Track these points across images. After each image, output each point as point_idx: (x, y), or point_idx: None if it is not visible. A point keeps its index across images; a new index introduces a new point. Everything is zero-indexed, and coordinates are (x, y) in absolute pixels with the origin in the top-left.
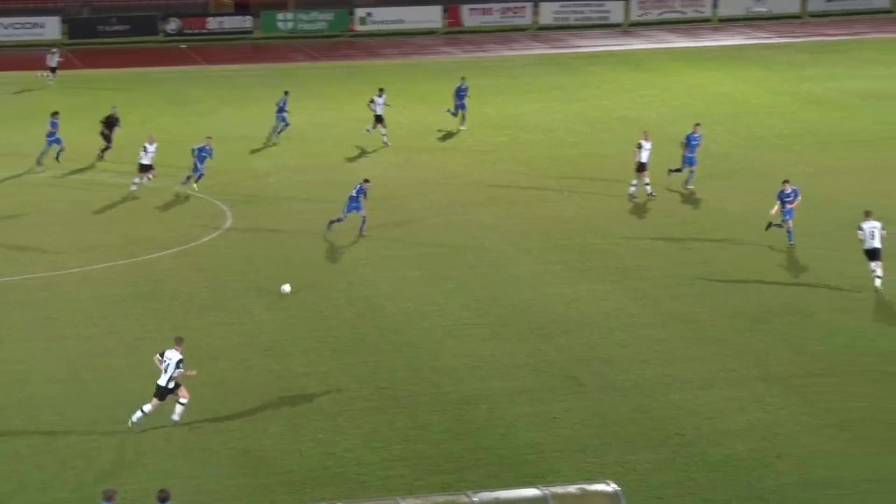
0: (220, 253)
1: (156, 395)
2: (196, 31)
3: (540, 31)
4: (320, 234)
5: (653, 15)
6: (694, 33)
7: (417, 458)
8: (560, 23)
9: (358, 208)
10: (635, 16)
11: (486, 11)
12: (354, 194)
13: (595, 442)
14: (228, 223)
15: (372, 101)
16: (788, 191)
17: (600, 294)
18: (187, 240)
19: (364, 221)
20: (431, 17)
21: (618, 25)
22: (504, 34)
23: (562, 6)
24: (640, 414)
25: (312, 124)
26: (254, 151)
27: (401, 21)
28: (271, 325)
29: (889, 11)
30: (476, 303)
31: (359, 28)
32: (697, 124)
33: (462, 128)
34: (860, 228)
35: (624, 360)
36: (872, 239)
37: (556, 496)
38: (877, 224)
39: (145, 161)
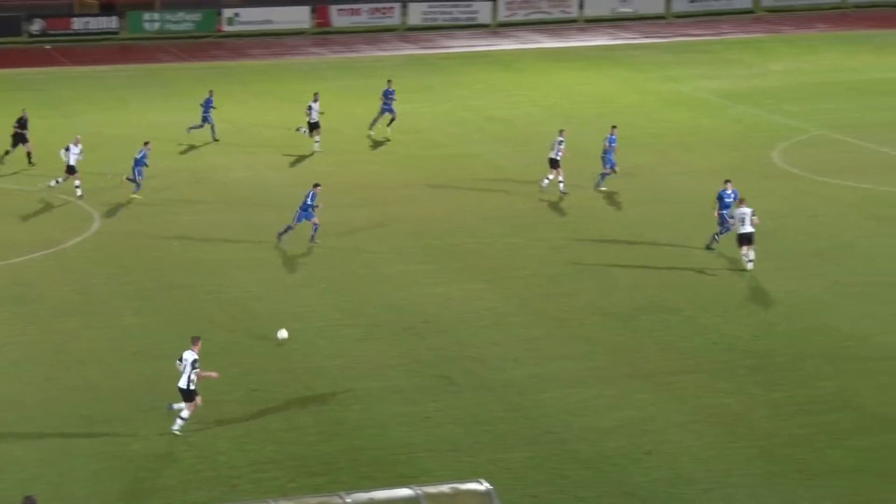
0: (88, 256)
1: (184, 399)
2: (61, 31)
3: (409, 32)
4: (176, 237)
5: (520, 15)
6: (561, 34)
7: (290, 460)
8: (429, 23)
9: (309, 216)
10: (503, 16)
11: (354, 12)
12: (309, 202)
13: (468, 441)
14: (96, 226)
15: (309, 108)
16: (729, 191)
17: (472, 294)
18: (55, 243)
19: (316, 229)
20: (300, 17)
21: (486, 26)
22: (373, 35)
23: (430, 7)
24: (513, 412)
25: (180, 125)
26: (124, 153)
27: (269, 21)
28: (141, 328)
29: (751, 11)
30: (348, 303)
31: (227, 28)
32: (614, 126)
33: (373, 132)
34: (731, 217)
35: (496, 359)
36: (744, 225)
37: (428, 496)
38: (748, 210)
39: (71, 162)
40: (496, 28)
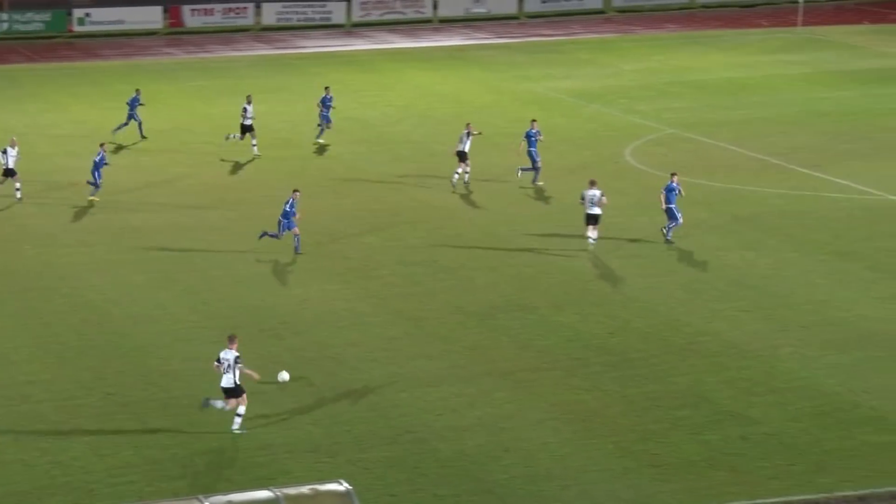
0: None
1: (231, 397)
2: None
3: (263, 32)
4: (28, 240)
5: (374, 16)
6: (415, 34)
7: (148, 464)
8: (283, 23)
9: (291, 225)
10: (357, 17)
11: (207, 12)
12: (288, 209)
13: (327, 441)
14: None
15: (244, 110)
16: (675, 184)
17: (330, 294)
18: None
19: (298, 239)
20: (152, 17)
21: (341, 26)
22: (227, 35)
23: (284, 7)
24: (372, 412)
25: (32, 126)
26: None
27: (121, 22)
28: None
29: (602, 12)
30: (205, 305)
31: (77, 29)
32: (534, 120)
33: (320, 140)
34: (583, 198)
35: (354, 359)
36: (592, 206)
37: (287, 497)
38: (597, 192)
39: (10, 165)
40: (351, 28)
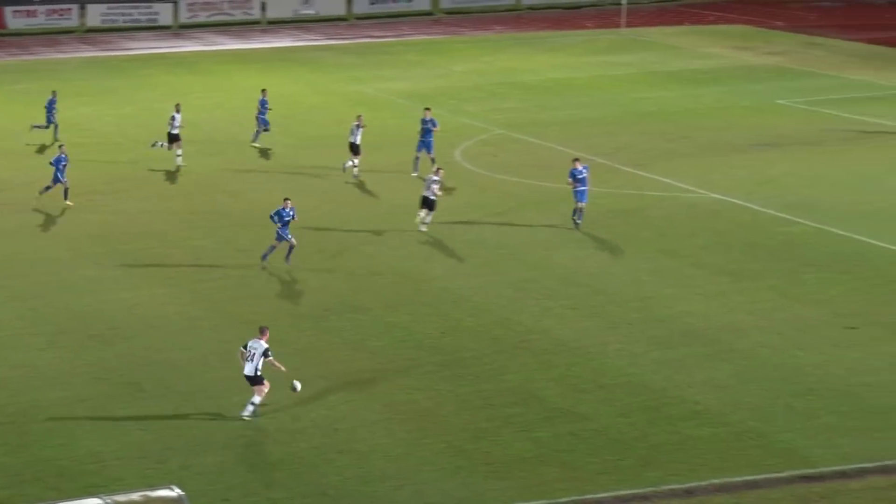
0: None
1: (253, 384)
2: None
3: (88, 34)
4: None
5: (202, 17)
6: (244, 35)
7: None
8: (109, 25)
9: (286, 235)
10: (184, 18)
11: (30, 13)
12: (287, 219)
13: (158, 447)
14: None
15: (172, 118)
16: (580, 168)
17: (161, 298)
18: None
19: (292, 250)
20: None
21: (168, 28)
22: (51, 36)
23: (109, 8)
24: (204, 417)
25: None
26: None
27: None
28: None
29: (430, 13)
30: (31, 311)
31: None
32: (427, 108)
33: (256, 144)
34: (424, 179)
35: (186, 363)
36: (428, 189)
37: None
38: (436, 179)
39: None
40: (178, 30)
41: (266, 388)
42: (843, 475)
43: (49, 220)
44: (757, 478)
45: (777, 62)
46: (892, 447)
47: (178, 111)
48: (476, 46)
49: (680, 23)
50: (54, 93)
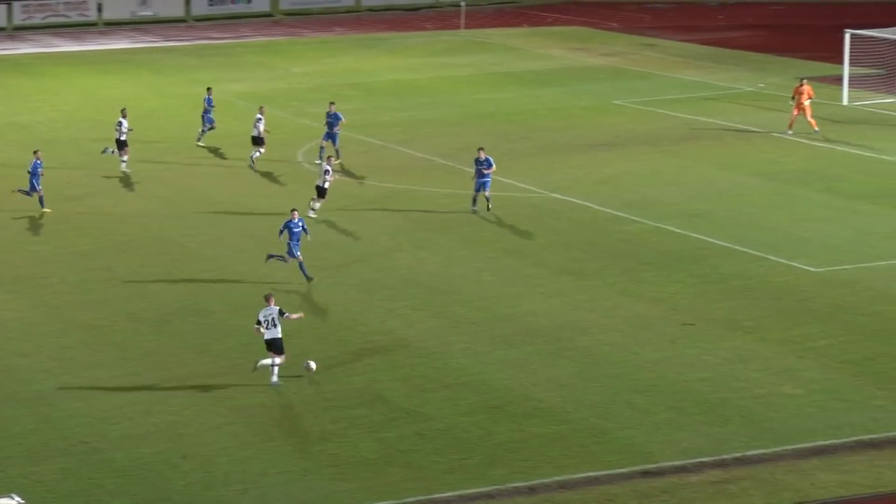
0: None
1: (274, 352)
2: None
3: None
4: None
5: (37, 19)
6: (80, 37)
7: None
8: None
9: (297, 251)
10: (19, 20)
11: None
12: (296, 230)
13: None
14: None
15: (119, 124)
16: (482, 158)
17: None
18: None
19: (302, 265)
20: None
21: (2, 29)
22: None
23: None
24: (44, 424)
25: None
26: None
27: None
28: None
29: (270, 15)
30: None
31: None
32: (332, 103)
33: (201, 143)
34: (326, 171)
35: (25, 370)
36: (321, 178)
37: None
38: (329, 168)
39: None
40: (12, 31)
41: (284, 354)
42: (682, 470)
43: None
44: (599, 474)
45: (613, 63)
46: (729, 441)
47: (124, 116)
48: (316, 48)
49: (518, 24)
50: None
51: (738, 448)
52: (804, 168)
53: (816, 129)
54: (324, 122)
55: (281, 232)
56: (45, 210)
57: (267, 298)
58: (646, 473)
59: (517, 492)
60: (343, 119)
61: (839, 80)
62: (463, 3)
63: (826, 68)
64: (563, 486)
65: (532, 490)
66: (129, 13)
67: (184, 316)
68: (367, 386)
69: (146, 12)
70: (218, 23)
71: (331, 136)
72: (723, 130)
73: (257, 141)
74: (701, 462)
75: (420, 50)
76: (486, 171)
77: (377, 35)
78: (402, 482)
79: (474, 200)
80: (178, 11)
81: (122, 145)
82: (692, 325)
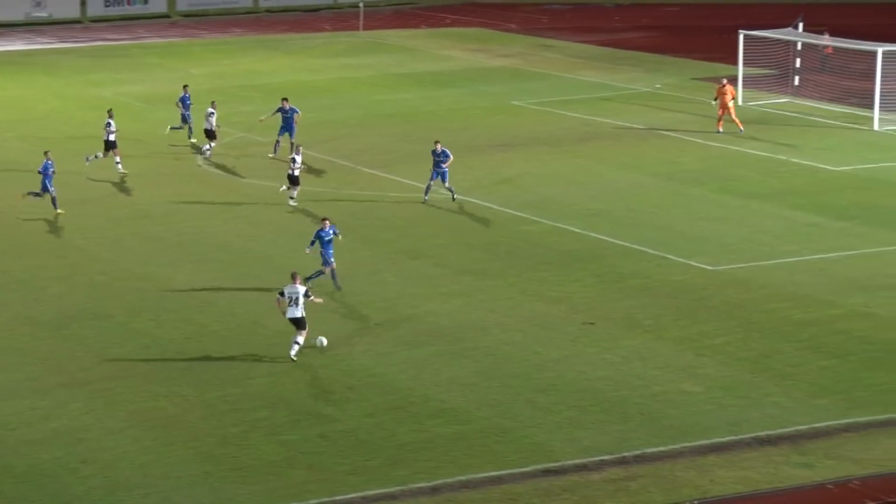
0: None
1: (298, 327)
2: None
3: None
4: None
5: None
6: None
7: None
8: None
9: (330, 259)
10: None
11: None
12: (328, 239)
13: None
14: None
15: (108, 125)
16: (439, 150)
17: None
18: None
19: (335, 273)
20: None
21: None
22: None
23: None
24: None
25: None
26: None
27: None
28: None
29: (167, 16)
30: None
31: None
32: (285, 99)
33: (193, 140)
34: (293, 160)
35: None
36: (291, 169)
37: None
38: (298, 158)
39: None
40: None
41: (307, 330)
42: (583, 468)
43: None
44: (501, 473)
45: (512, 64)
46: (629, 439)
47: (111, 117)
48: (215, 49)
49: (417, 26)
50: None
51: (638, 445)
52: (700, 168)
53: (742, 128)
54: (273, 114)
55: (312, 243)
56: (60, 212)
57: (293, 277)
58: (548, 472)
59: (420, 492)
60: (300, 113)
61: (734, 80)
62: (362, 5)
63: (721, 69)
64: (465, 485)
65: (435, 490)
66: (23, 14)
67: (82, 319)
68: (269, 388)
69: (41, 13)
70: (114, 24)
71: (287, 129)
72: (620, 131)
73: (210, 135)
74: (602, 460)
75: (319, 51)
76: (443, 164)
77: (276, 36)
78: (305, 484)
79: (427, 190)
80: (74, 13)
81: (111, 146)
82: (592, 324)
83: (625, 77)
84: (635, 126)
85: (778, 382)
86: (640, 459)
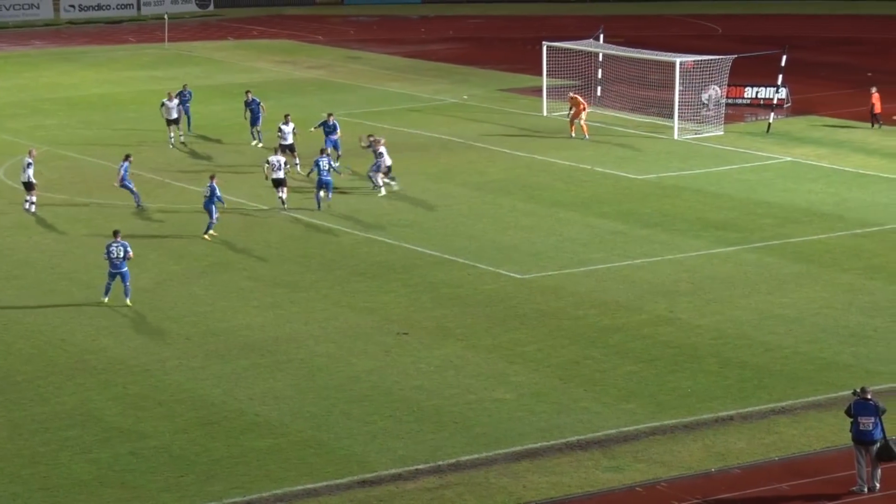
0: None
1: (280, 185)
2: None
3: None
4: None
5: None
6: None
7: None
8: None
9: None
10: None
11: None
12: (324, 175)
13: None
14: None
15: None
16: (331, 122)
17: None
18: None
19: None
20: None
21: None
22: None
23: None
24: None
25: None
26: None
27: None
28: None
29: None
30: None
31: None
32: (248, 91)
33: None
34: (268, 161)
35: None
36: (279, 171)
37: None
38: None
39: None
40: None
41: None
42: (399, 477)
43: None
44: (317, 485)
45: (320, 75)
46: (443, 447)
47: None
48: (15, 62)
49: (224, 37)
50: None
51: (452, 454)
52: (507, 177)
53: (587, 135)
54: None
55: (310, 171)
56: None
57: (276, 151)
58: (363, 483)
59: None
60: (263, 105)
61: (539, 91)
62: (167, 16)
63: (526, 80)
64: (280, 499)
65: None
66: None
67: None
68: (78, 406)
69: None
70: None
71: (255, 121)
72: (429, 141)
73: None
74: (417, 469)
75: (125, 63)
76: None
77: (79, 48)
78: (118, 502)
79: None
80: None
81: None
82: (406, 333)
83: (432, 88)
84: (444, 136)
85: (587, 388)
86: (455, 468)
